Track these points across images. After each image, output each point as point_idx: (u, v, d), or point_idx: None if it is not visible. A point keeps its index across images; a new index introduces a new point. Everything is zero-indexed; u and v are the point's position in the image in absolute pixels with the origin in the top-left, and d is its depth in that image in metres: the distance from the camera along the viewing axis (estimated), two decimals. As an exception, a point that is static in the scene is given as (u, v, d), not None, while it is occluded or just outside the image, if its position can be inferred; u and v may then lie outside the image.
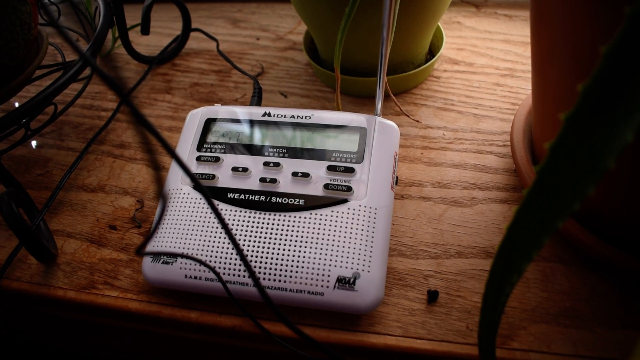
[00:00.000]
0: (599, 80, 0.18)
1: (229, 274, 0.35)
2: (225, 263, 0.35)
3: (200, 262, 0.33)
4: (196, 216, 0.37)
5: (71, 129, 0.54)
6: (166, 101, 0.56)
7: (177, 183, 0.39)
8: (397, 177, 0.39)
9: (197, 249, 0.36)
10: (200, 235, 0.36)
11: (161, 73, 0.60)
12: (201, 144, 0.41)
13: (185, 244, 0.36)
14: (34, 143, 0.53)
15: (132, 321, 0.39)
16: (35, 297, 0.40)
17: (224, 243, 0.35)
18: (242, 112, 0.42)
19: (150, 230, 0.23)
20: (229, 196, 0.37)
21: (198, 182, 0.22)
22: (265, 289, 0.34)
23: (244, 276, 0.34)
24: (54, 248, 0.42)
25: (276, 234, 0.35)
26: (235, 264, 0.35)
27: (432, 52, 0.56)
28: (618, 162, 0.18)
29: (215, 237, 0.36)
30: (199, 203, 0.38)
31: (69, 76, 0.41)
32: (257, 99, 0.49)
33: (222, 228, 0.22)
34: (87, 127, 0.54)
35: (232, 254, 0.35)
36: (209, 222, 0.37)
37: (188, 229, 0.37)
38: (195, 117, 0.43)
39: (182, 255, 0.35)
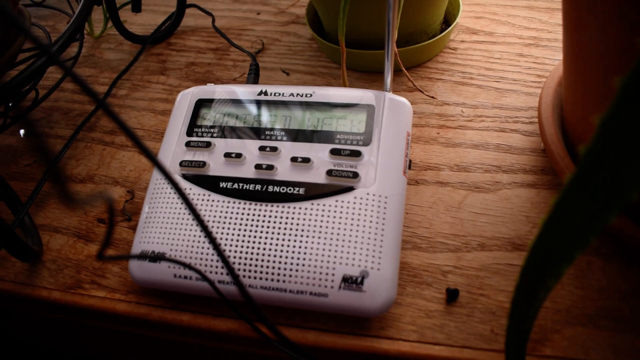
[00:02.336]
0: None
1: (221, 273, 0.31)
2: (217, 261, 0.31)
3: (178, 262, 0.29)
4: (184, 209, 0.33)
5: (60, 116, 0.50)
6: (160, 83, 0.52)
7: (164, 172, 0.36)
8: (410, 161, 0.35)
9: (186, 245, 0.32)
10: (190, 230, 0.32)
11: (155, 53, 0.56)
12: (191, 128, 0.37)
13: (173, 239, 0.33)
14: (21, 132, 0.49)
15: (120, 323, 0.36)
16: (19, 297, 0.37)
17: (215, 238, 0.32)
18: (237, 91, 0.38)
19: (106, 235, 0.19)
20: (221, 185, 0.34)
21: (177, 187, 0.18)
22: (262, 289, 0.30)
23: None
24: (39, 244, 0.39)
25: (273, 228, 0.31)
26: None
27: (448, 21, 0.52)
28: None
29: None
30: (189, 194, 0.34)
31: (34, 68, 0.37)
32: (253, 77, 0.45)
33: (192, 215, 0.18)
34: (77, 113, 0.50)
35: (225, 250, 0.31)
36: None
37: (176, 223, 0.33)
38: (186, 98, 0.39)
39: (155, 257, 0.32)
